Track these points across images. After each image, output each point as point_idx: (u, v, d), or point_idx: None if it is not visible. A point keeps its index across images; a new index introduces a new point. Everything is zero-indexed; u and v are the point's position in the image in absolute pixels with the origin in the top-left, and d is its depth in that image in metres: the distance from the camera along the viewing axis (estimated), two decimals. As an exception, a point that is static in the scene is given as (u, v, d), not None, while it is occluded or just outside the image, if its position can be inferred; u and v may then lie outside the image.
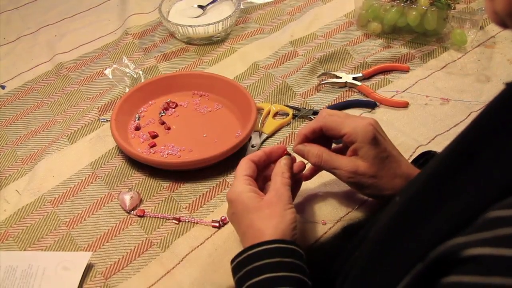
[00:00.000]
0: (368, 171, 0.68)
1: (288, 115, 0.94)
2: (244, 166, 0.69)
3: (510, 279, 0.37)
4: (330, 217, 0.78)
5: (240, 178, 0.68)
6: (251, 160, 0.70)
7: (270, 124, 0.93)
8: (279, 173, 0.69)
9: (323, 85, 1.01)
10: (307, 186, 0.82)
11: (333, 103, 0.98)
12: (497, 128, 0.45)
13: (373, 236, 0.57)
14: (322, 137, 0.72)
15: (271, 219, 0.64)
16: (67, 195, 0.84)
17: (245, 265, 0.61)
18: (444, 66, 1.05)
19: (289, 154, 0.73)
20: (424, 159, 0.76)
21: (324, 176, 0.82)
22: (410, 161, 0.75)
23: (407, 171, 0.70)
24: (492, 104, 0.47)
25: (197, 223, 0.79)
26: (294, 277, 0.59)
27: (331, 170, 0.71)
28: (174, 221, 0.79)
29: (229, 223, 0.77)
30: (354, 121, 0.69)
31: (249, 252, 0.61)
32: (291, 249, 0.62)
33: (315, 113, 0.94)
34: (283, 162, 0.70)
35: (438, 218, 0.45)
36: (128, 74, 1.04)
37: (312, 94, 1.00)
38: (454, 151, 0.50)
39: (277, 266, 0.60)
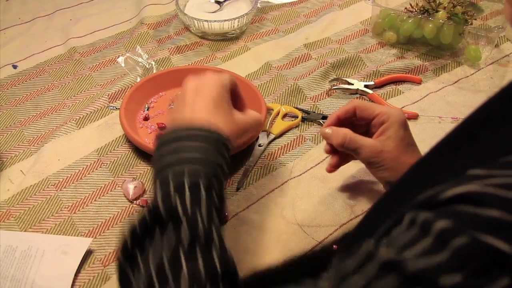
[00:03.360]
0: (392, 151, 0.70)
1: (297, 117, 0.94)
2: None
3: (506, 213, 0.34)
4: (331, 223, 0.78)
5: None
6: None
7: (279, 125, 0.93)
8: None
9: (334, 90, 1.01)
10: (309, 190, 0.82)
11: (343, 109, 0.97)
12: (504, 110, 0.45)
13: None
14: (348, 124, 0.75)
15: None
16: (71, 179, 0.84)
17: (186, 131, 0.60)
18: (457, 81, 1.05)
19: None
20: None
21: (327, 180, 0.83)
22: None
23: None
24: (504, 89, 0.47)
25: (198, 218, 0.79)
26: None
27: (355, 149, 0.71)
28: (176, 214, 0.79)
29: (230, 220, 0.77)
30: (386, 107, 0.74)
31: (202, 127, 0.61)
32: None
33: (324, 117, 0.94)
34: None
35: (435, 182, 0.45)
36: (140, 63, 1.04)
37: (322, 98, 1.00)
38: (461, 125, 0.49)
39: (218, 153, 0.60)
